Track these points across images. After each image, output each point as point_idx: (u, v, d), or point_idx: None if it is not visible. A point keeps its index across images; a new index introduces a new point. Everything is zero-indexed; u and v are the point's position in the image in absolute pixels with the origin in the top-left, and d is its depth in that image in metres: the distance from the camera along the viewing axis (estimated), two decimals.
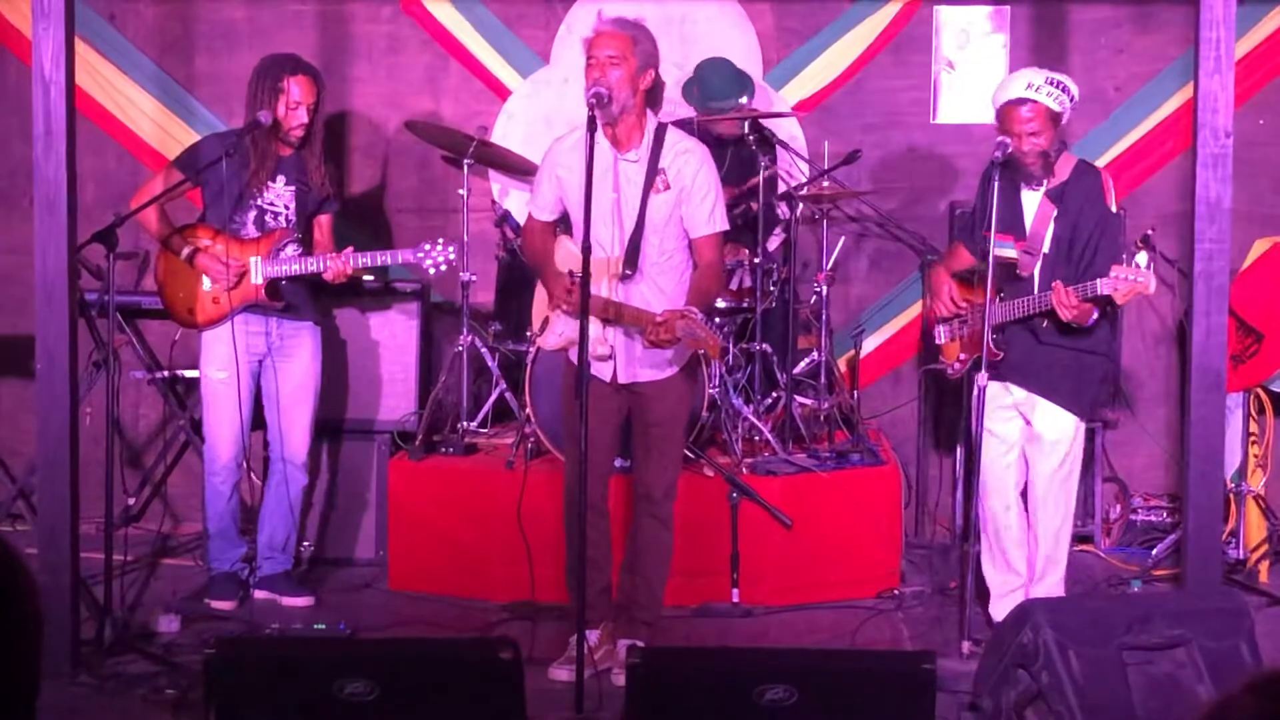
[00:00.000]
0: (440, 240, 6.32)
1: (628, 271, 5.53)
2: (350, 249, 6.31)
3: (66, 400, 5.46)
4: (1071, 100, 5.82)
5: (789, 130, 7.62)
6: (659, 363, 5.61)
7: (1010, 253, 5.83)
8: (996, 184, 5.63)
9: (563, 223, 5.83)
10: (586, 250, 5.12)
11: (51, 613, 5.36)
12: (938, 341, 6.26)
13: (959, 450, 7.25)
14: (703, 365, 6.54)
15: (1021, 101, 5.76)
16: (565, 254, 5.65)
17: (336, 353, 7.05)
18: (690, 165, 5.56)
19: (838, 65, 7.80)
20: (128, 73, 7.88)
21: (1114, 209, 5.90)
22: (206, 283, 6.34)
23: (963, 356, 6.09)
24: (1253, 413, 7.06)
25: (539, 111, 7.76)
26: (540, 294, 5.84)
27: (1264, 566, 6.95)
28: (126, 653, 5.69)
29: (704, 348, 5.40)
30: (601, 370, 5.59)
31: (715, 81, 7.28)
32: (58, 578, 5.46)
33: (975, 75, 7.67)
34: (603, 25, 5.56)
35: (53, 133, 5.40)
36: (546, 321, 5.74)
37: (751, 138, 7.06)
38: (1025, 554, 6.08)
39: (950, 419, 7.51)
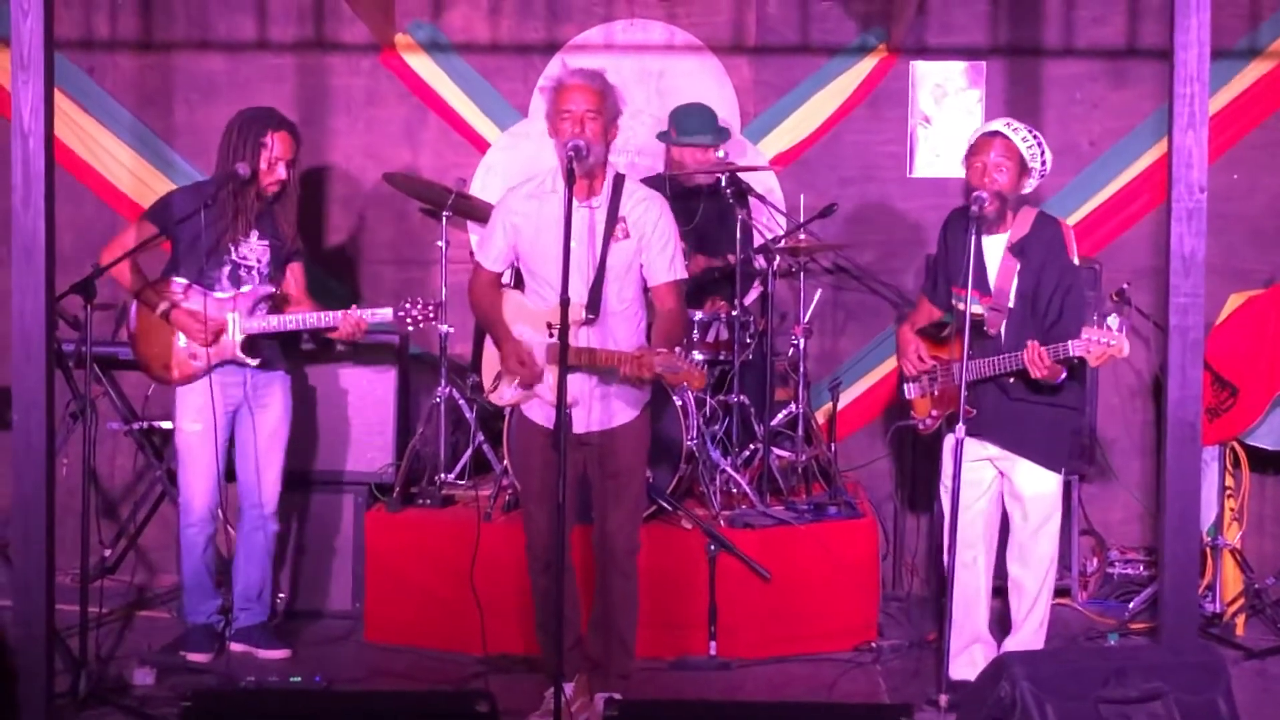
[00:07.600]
0: (419, 299, 6.27)
1: (590, 316, 5.46)
2: (355, 308, 6.28)
3: (43, 451, 5.43)
4: (1043, 163, 5.83)
5: (766, 183, 7.66)
6: (623, 406, 5.57)
7: (977, 309, 5.81)
8: (972, 237, 5.61)
9: (509, 274, 5.77)
10: (565, 302, 5.05)
11: (26, 665, 5.35)
12: (907, 398, 6.23)
13: (936, 503, 7.23)
14: (681, 418, 6.55)
15: (997, 134, 5.80)
16: (514, 308, 5.63)
17: (313, 404, 7.03)
18: (651, 214, 5.54)
19: (815, 119, 7.86)
20: (106, 124, 7.91)
21: (1075, 261, 5.89)
22: (182, 339, 6.33)
23: (934, 413, 6.08)
24: (1228, 466, 7.09)
25: (517, 164, 7.76)
26: (490, 347, 5.75)
27: (1240, 620, 6.96)
28: (102, 706, 5.65)
29: (686, 380, 5.32)
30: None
31: (692, 119, 7.33)
32: (32, 630, 5.40)
33: (951, 130, 7.73)
34: (572, 78, 5.50)
35: (31, 183, 5.39)
36: (499, 376, 5.67)
37: (728, 190, 7.08)
38: (987, 607, 6.07)
39: (927, 471, 7.49)
